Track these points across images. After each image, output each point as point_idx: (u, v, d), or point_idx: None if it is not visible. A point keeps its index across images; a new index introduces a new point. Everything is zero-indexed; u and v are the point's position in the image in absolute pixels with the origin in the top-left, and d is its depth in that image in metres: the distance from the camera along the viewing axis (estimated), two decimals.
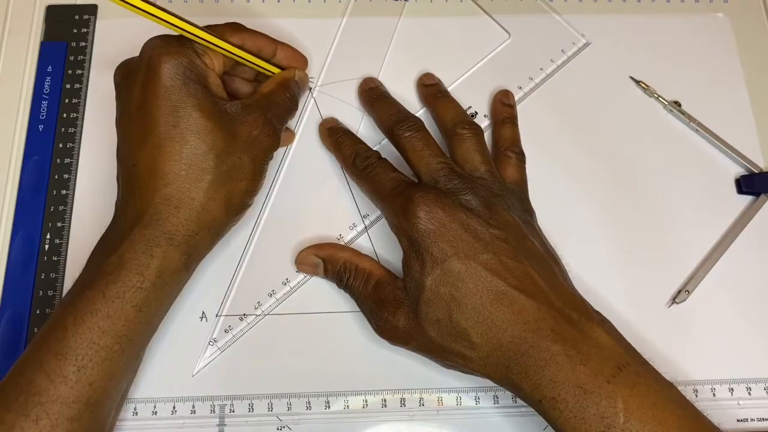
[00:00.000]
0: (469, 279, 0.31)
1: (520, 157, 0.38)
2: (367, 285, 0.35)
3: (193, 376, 0.35)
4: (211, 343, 0.36)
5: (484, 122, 0.41)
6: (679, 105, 0.41)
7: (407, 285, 0.32)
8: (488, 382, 0.35)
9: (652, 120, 0.41)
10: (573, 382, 0.29)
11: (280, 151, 0.40)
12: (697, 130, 0.41)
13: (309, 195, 0.39)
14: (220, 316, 0.36)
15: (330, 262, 0.36)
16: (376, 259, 0.37)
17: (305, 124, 0.40)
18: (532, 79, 0.42)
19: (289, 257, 0.37)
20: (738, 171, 0.40)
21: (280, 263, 0.37)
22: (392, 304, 0.33)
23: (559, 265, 0.34)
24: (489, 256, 0.31)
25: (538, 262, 0.32)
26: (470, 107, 0.41)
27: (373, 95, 0.40)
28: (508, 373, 0.31)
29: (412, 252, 0.32)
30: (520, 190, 0.36)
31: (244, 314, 0.36)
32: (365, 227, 0.38)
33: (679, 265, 0.38)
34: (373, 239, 0.38)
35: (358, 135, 0.39)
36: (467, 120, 0.37)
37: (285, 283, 0.37)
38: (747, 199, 0.40)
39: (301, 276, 0.37)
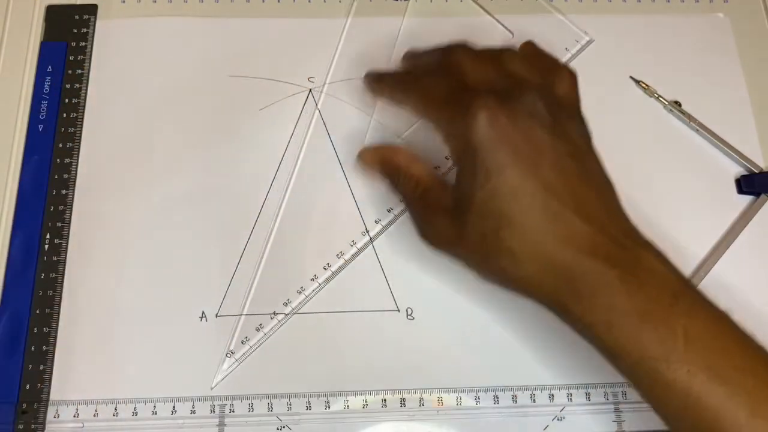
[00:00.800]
0: (523, 195, 0.29)
1: (571, 72, 0.34)
2: (416, 189, 0.34)
3: (212, 389, 0.35)
4: (228, 355, 0.36)
5: None
6: (679, 105, 0.41)
7: (457, 194, 0.31)
8: (487, 383, 0.35)
9: (652, 120, 0.41)
10: (629, 307, 0.28)
11: (291, 159, 0.40)
12: (697, 130, 0.41)
13: (321, 202, 0.39)
14: (236, 328, 0.36)
15: (386, 162, 0.36)
16: (379, 263, 0.38)
17: (313, 128, 0.40)
18: None
19: (302, 265, 0.37)
20: (738, 171, 0.40)
21: (294, 272, 0.37)
22: (439, 212, 0.32)
23: (615, 193, 0.32)
24: (549, 172, 0.29)
25: (598, 185, 0.31)
26: None
27: (393, 79, 0.37)
28: (556, 296, 0.29)
29: (465, 161, 0.30)
30: (578, 108, 0.34)
31: (261, 325, 0.36)
32: (375, 234, 0.38)
33: (679, 265, 0.38)
34: (384, 246, 0.38)
35: (367, 137, 0.40)
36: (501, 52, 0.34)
37: (300, 292, 0.37)
38: (747, 199, 0.40)
39: (315, 284, 0.37)
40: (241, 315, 0.36)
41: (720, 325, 0.28)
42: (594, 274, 0.28)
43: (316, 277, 0.37)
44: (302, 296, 0.37)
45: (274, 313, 0.37)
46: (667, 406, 0.28)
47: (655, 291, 0.28)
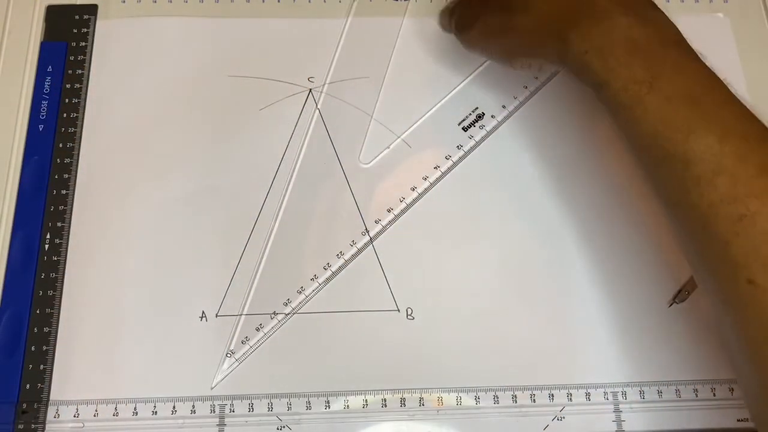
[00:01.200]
0: None
1: None
2: None
3: (212, 388, 0.35)
4: (228, 355, 0.36)
5: (491, 123, 0.41)
6: None
7: None
8: (487, 383, 0.35)
9: None
10: (626, 36, 0.30)
11: (291, 159, 0.40)
12: None
13: (321, 202, 0.39)
14: (236, 328, 0.36)
15: None
16: (379, 263, 0.38)
17: (313, 128, 0.40)
18: (537, 78, 0.42)
19: (302, 265, 0.37)
20: None
21: (294, 272, 0.37)
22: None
23: None
24: None
25: None
26: (477, 108, 0.41)
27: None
28: (557, 29, 0.31)
29: None
30: None
31: (261, 325, 0.36)
32: (375, 234, 0.38)
33: (679, 265, 0.38)
34: (384, 246, 0.38)
35: (366, 139, 0.40)
36: None
37: (300, 292, 0.37)
38: None
39: (315, 284, 0.37)
40: (241, 315, 0.36)
41: (711, 75, 0.30)
42: (597, 8, 0.30)
43: (316, 277, 0.37)
44: (302, 296, 0.37)
45: (274, 313, 0.37)
46: (642, 132, 0.29)
47: (656, 32, 0.30)
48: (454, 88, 0.41)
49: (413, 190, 0.39)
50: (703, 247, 0.28)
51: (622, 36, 0.30)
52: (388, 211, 0.39)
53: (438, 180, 0.39)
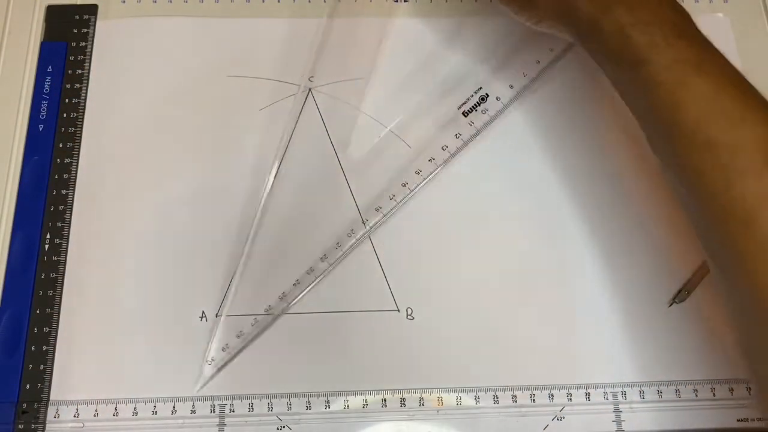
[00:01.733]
0: None
1: None
2: None
3: (196, 393, 0.35)
4: (208, 362, 0.35)
5: (496, 106, 0.40)
6: None
7: None
8: (487, 383, 0.35)
9: None
10: (673, 20, 0.29)
11: (291, 159, 0.39)
12: None
13: (306, 199, 0.39)
14: (212, 338, 0.36)
15: None
16: (379, 263, 0.38)
17: (313, 128, 0.40)
18: (552, 49, 0.41)
19: (301, 266, 0.37)
20: None
21: (294, 271, 0.37)
22: None
23: None
24: None
25: None
26: (480, 88, 0.40)
27: None
28: (582, 4, 0.30)
29: None
30: None
31: (241, 332, 0.36)
32: (374, 233, 0.38)
33: (679, 265, 0.38)
34: (375, 242, 0.38)
35: (366, 138, 0.40)
36: None
37: (281, 298, 0.37)
38: None
39: (297, 292, 0.37)
40: (241, 315, 0.36)
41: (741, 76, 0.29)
42: None
43: (315, 280, 0.37)
44: (300, 296, 0.37)
45: (273, 315, 0.36)
46: (683, 116, 0.27)
47: (694, 26, 0.30)
48: (454, 80, 0.41)
49: (404, 186, 0.38)
50: (739, 244, 0.26)
51: (669, 18, 0.29)
52: (376, 210, 0.38)
53: (433, 172, 0.39)
